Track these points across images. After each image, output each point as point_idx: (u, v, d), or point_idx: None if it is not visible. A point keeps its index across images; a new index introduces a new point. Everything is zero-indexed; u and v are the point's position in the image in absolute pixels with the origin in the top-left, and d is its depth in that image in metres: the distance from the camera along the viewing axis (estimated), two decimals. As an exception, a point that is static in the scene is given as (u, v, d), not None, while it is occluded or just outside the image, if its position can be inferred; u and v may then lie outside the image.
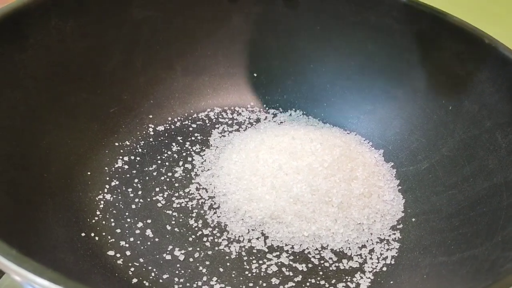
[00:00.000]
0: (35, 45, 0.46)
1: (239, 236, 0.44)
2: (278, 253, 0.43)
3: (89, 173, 0.48)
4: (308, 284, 0.41)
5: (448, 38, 0.51)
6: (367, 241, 0.44)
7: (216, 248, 0.43)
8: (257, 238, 0.44)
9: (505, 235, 0.37)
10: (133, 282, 0.39)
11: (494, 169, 0.43)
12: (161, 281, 0.40)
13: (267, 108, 0.61)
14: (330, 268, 0.42)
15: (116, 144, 0.52)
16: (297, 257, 0.43)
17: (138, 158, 0.51)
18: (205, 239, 0.44)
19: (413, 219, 0.46)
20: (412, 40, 0.54)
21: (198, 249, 0.43)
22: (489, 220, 0.40)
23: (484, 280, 0.33)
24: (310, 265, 0.42)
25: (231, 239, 0.44)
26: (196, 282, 0.40)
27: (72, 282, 0.23)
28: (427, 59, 0.53)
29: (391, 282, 0.40)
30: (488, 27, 0.50)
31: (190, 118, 0.58)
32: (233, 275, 0.41)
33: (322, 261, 0.42)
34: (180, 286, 0.40)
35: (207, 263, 0.42)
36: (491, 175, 0.43)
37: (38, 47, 0.46)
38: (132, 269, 0.40)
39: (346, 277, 0.41)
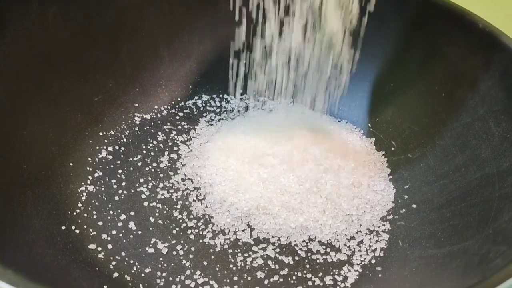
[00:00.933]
0: (15, 32, 0.44)
1: (225, 228, 0.43)
2: (264, 245, 0.42)
3: (71, 164, 0.46)
4: (294, 277, 0.40)
5: (441, 23, 0.49)
6: (356, 232, 0.43)
7: (201, 241, 0.42)
8: (243, 230, 0.43)
9: (496, 228, 0.36)
10: (114, 277, 0.38)
11: (487, 158, 0.42)
12: (143, 275, 0.39)
13: (256, 96, 0.59)
14: (317, 261, 0.41)
15: (100, 134, 0.50)
16: (284, 249, 0.42)
17: (122, 148, 0.50)
18: (189, 231, 0.43)
19: (403, 210, 0.45)
20: (404, 25, 0.52)
21: (182, 242, 0.42)
22: (480, 212, 0.38)
23: (474, 276, 0.32)
24: (296, 258, 0.41)
25: (216, 232, 0.43)
26: (179, 276, 0.39)
27: (32, 284, 0.22)
28: (419, 44, 0.52)
29: (380, 275, 0.39)
30: (484, 11, 0.48)
31: (177, 106, 0.56)
32: (217, 269, 0.40)
33: (309, 254, 0.41)
34: (163, 280, 0.39)
35: (191, 256, 0.40)
36: (484, 165, 0.42)
37: (18, 35, 0.45)
38: (114, 263, 0.39)
39: (334, 270, 0.40)
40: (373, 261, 0.41)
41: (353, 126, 0.55)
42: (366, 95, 0.56)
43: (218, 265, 0.40)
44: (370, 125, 0.54)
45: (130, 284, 0.38)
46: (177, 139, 0.52)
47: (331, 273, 0.40)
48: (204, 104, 0.57)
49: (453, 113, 0.47)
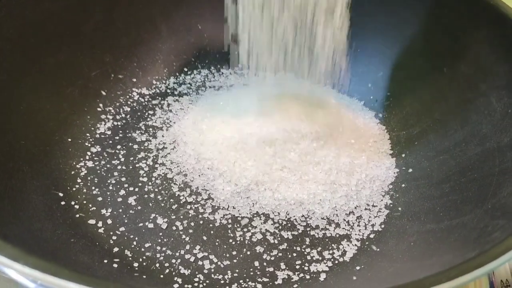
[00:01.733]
0: (8, 4, 0.43)
1: (224, 204, 0.43)
2: (263, 220, 0.42)
3: (69, 139, 0.46)
4: (293, 252, 0.40)
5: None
6: (355, 207, 0.43)
7: (200, 216, 0.42)
8: (242, 206, 0.43)
9: (495, 203, 0.35)
10: (114, 251, 0.38)
11: (488, 134, 0.42)
12: (143, 250, 0.39)
13: (255, 70, 0.58)
14: (316, 236, 0.41)
15: (98, 109, 0.50)
16: (283, 224, 0.42)
17: (121, 124, 0.50)
18: (188, 206, 0.43)
19: (403, 185, 0.45)
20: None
21: (181, 217, 0.42)
22: (479, 187, 0.38)
23: (472, 249, 0.32)
24: (295, 233, 0.41)
25: (215, 207, 0.43)
26: (179, 251, 0.39)
27: (31, 259, 0.22)
28: (423, 16, 0.51)
29: (378, 249, 0.40)
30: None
31: (175, 81, 0.56)
32: (216, 243, 0.40)
33: (308, 229, 0.41)
34: (163, 255, 0.39)
35: (190, 231, 0.41)
36: (484, 140, 0.42)
37: (12, 6, 0.44)
38: (114, 237, 0.40)
39: (332, 245, 0.40)
40: (371, 236, 0.41)
41: (353, 101, 0.54)
42: (367, 70, 0.55)
43: (217, 240, 0.40)
44: (371, 101, 0.53)
45: (130, 258, 0.38)
46: (176, 114, 0.51)
47: (330, 248, 0.40)
48: (203, 79, 0.56)
49: (455, 88, 0.47)
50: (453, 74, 0.48)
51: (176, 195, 0.43)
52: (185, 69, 0.57)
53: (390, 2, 0.52)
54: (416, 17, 0.51)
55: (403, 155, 0.48)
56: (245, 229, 0.41)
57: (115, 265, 0.37)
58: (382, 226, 0.42)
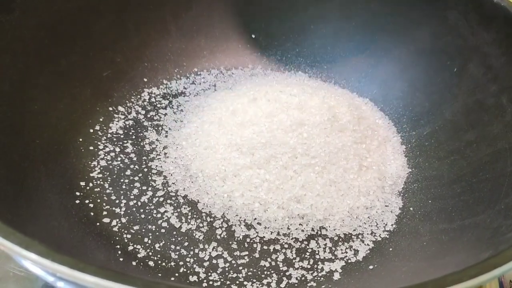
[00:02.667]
0: (22, 5, 0.44)
1: (237, 205, 0.43)
2: (277, 221, 0.42)
3: (81, 139, 0.46)
4: (306, 251, 0.40)
5: (455, -4, 0.48)
6: (367, 207, 0.44)
7: (212, 216, 0.42)
8: (257, 206, 0.43)
9: (508, 203, 0.36)
10: (128, 249, 0.39)
11: (499, 134, 0.42)
12: (157, 248, 0.39)
13: (266, 70, 0.59)
14: (329, 236, 0.41)
15: (110, 108, 0.50)
16: (296, 224, 0.42)
17: (132, 123, 0.50)
18: (201, 207, 0.43)
19: (415, 185, 0.45)
20: (417, -1, 0.52)
21: (195, 216, 0.42)
22: (491, 187, 0.39)
23: (485, 249, 0.32)
24: (308, 232, 0.41)
25: (228, 208, 0.43)
26: (193, 250, 0.39)
27: (59, 255, 0.22)
28: (432, 18, 0.51)
29: (390, 249, 0.40)
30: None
31: (185, 81, 0.56)
32: (230, 242, 0.40)
33: (320, 229, 0.42)
34: (177, 253, 0.39)
35: (204, 230, 0.41)
36: (495, 141, 0.42)
37: (26, 8, 0.44)
38: (128, 236, 0.40)
39: (345, 244, 0.41)
40: (384, 235, 0.42)
41: (364, 100, 0.54)
42: (377, 69, 0.55)
43: (230, 239, 0.40)
44: (381, 101, 0.54)
45: (145, 256, 0.38)
46: (187, 114, 0.52)
47: (343, 247, 0.40)
48: (214, 79, 0.57)
49: (465, 89, 0.47)
50: (463, 75, 0.48)
51: (188, 194, 0.43)
52: (195, 69, 0.57)
53: (400, 3, 0.53)
54: (425, 17, 0.51)
55: (414, 155, 0.48)
56: (258, 230, 0.41)
57: (133, 263, 0.37)
58: (394, 226, 0.42)
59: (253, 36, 0.59)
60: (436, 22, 0.50)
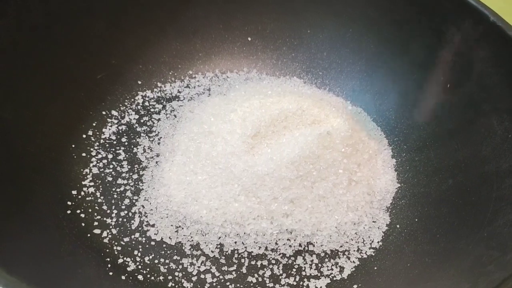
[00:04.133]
0: (16, 8, 0.43)
1: (226, 217, 0.43)
2: (264, 237, 0.43)
3: (73, 145, 0.47)
4: (293, 267, 0.41)
5: (452, 12, 0.48)
6: (354, 223, 0.44)
7: (201, 230, 0.43)
8: (246, 224, 0.43)
9: (491, 231, 0.36)
10: (118, 262, 0.40)
11: (487, 156, 0.42)
12: (147, 261, 0.40)
13: (261, 75, 0.59)
14: (315, 252, 0.42)
15: (104, 113, 0.50)
16: (283, 240, 0.43)
17: (126, 128, 0.50)
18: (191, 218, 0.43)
19: (403, 201, 0.46)
20: (415, 10, 0.51)
21: (184, 229, 0.42)
22: (476, 212, 0.39)
23: (465, 279, 0.33)
24: (295, 249, 0.42)
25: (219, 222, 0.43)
26: (181, 264, 0.40)
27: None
28: (429, 31, 0.51)
29: (375, 268, 0.41)
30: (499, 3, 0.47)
31: (180, 84, 0.56)
32: (217, 257, 0.41)
33: (307, 245, 0.43)
34: (166, 267, 0.40)
35: (194, 244, 0.42)
36: (483, 163, 0.42)
37: (19, 10, 0.44)
38: (118, 248, 0.41)
39: (331, 261, 0.42)
40: (369, 253, 0.42)
41: (356, 110, 0.54)
42: (371, 80, 0.55)
43: (218, 254, 0.41)
44: (374, 111, 0.54)
45: (134, 270, 0.39)
46: (181, 119, 0.52)
47: (328, 264, 0.41)
48: (208, 82, 0.57)
49: (458, 106, 0.47)
50: (456, 91, 0.48)
51: (178, 206, 0.44)
52: (190, 72, 0.57)
53: (397, 15, 0.52)
54: (422, 30, 0.51)
55: (404, 170, 0.49)
56: (246, 246, 0.42)
57: (122, 277, 0.38)
58: (380, 243, 0.43)
59: (249, 39, 0.59)
60: (432, 36, 0.50)
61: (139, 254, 0.40)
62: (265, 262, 0.41)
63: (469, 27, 0.47)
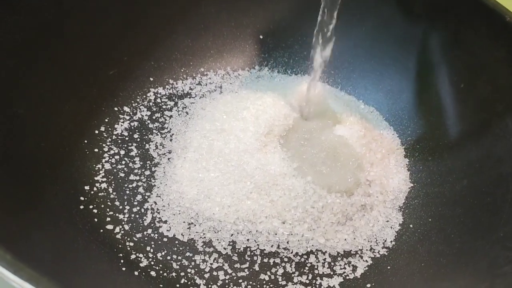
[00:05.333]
0: (28, 5, 0.43)
1: (238, 213, 0.43)
2: (276, 234, 0.43)
3: (86, 141, 0.47)
4: (305, 266, 0.41)
5: (467, 11, 0.48)
6: (367, 222, 0.44)
7: (214, 227, 0.43)
8: (257, 220, 0.43)
9: (507, 232, 0.36)
10: (131, 258, 0.39)
11: (502, 157, 0.42)
12: (159, 257, 0.40)
13: (272, 73, 0.59)
14: (328, 251, 0.42)
15: (116, 109, 0.50)
16: (296, 239, 0.42)
17: (138, 124, 0.50)
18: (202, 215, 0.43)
19: (416, 201, 0.46)
20: (429, 9, 0.51)
21: (197, 225, 0.42)
22: (492, 213, 0.39)
23: (482, 280, 0.33)
24: (307, 248, 0.42)
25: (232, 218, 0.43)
26: (194, 260, 0.40)
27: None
28: (443, 30, 0.50)
29: (388, 267, 0.41)
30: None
31: (192, 81, 0.56)
32: (230, 254, 0.41)
33: (320, 243, 0.42)
34: (179, 264, 0.40)
35: (206, 241, 0.41)
36: (498, 164, 0.42)
37: (31, 8, 0.43)
38: (131, 244, 0.40)
39: (344, 260, 0.41)
40: (382, 252, 0.42)
41: (369, 109, 0.54)
42: (383, 79, 0.55)
43: (232, 252, 0.41)
44: (386, 110, 0.54)
45: (147, 265, 0.39)
46: (193, 116, 0.52)
47: (341, 263, 0.41)
48: (220, 79, 0.56)
49: (471, 106, 0.47)
50: (470, 91, 0.48)
51: (191, 203, 0.44)
52: (202, 69, 0.57)
53: (411, 12, 0.52)
54: (436, 29, 0.51)
55: (417, 170, 0.49)
56: (259, 244, 0.42)
57: (135, 272, 0.38)
58: (394, 242, 0.43)
59: (261, 37, 0.59)
60: (446, 35, 0.50)
61: (152, 250, 0.40)
62: (277, 260, 0.41)
63: (483, 27, 0.47)
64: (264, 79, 0.57)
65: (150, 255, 0.40)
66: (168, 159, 0.47)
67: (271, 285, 0.39)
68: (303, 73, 0.59)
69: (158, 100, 0.53)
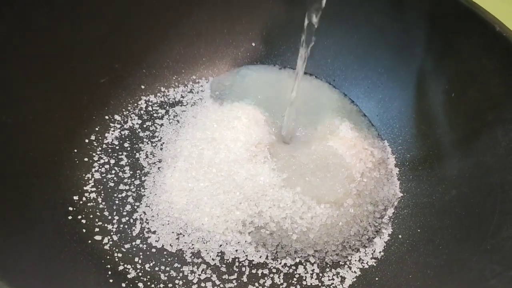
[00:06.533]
0: (20, 12, 0.43)
1: (226, 224, 0.43)
2: (264, 247, 0.43)
3: (76, 150, 0.46)
4: (294, 277, 0.41)
5: (458, 20, 0.47)
6: (356, 232, 0.44)
7: (202, 238, 0.42)
8: (248, 233, 0.43)
9: (494, 244, 0.36)
10: (119, 269, 0.39)
11: (492, 168, 0.42)
12: (147, 269, 0.40)
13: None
14: (317, 261, 0.42)
15: (106, 117, 0.50)
16: (283, 251, 0.42)
17: (128, 133, 0.50)
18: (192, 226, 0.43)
19: (405, 211, 0.46)
20: (421, 17, 0.51)
21: (185, 237, 0.42)
22: (480, 224, 0.39)
23: (468, 294, 0.33)
24: (297, 260, 0.42)
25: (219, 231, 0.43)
26: (182, 272, 0.40)
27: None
28: (435, 38, 0.50)
29: (376, 278, 0.41)
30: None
31: (183, 89, 0.56)
32: (218, 265, 0.41)
33: (308, 254, 0.42)
34: (166, 275, 0.40)
35: (195, 252, 0.41)
36: (488, 174, 0.42)
37: (23, 14, 0.43)
38: (119, 255, 0.40)
39: (333, 270, 0.41)
40: (371, 263, 0.42)
41: (360, 118, 0.54)
42: (375, 86, 0.55)
43: (220, 263, 0.41)
44: (377, 119, 0.54)
45: (134, 277, 0.39)
46: (184, 124, 0.52)
47: (330, 274, 0.41)
48: (210, 88, 0.56)
49: (462, 115, 0.47)
50: (461, 100, 0.48)
51: (180, 213, 0.44)
52: (194, 77, 0.57)
53: (403, 20, 0.52)
54: (428, 37, 0.50)
55: (407, 179, 0.48)
56: (247, 255, 0.42)
57: (123, 284, 0.38)
58: (382, 253, 0.43)
59: (253, 44, 0.59)
60: (438, 44, 0.50)
61: (140, 261, 0.40)
62: (266, 271, 0.41)
63: (475, 36, 0.47)
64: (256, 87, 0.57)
65: (138, 266, 0.40)
66: (158, 168, 0.47)
67: (259, 297, 0.39)
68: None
69: (149, 108, 0.53)
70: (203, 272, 0.40)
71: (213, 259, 0.41)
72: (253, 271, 0.41)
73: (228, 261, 0.41)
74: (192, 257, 0.41)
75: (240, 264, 0.41)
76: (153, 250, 0.41)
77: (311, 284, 0.40)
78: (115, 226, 0.42)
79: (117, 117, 0.51)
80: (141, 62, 0.55)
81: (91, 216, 0.43)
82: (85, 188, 0.44)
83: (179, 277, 0.40)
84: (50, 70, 0.46)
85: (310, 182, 0.45)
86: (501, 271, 0.33)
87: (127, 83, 0.53)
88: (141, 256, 0.41)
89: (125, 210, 0.44)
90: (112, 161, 0.47)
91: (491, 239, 0.37)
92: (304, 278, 0.41)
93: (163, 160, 0.48)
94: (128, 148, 0.48)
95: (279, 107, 0.52)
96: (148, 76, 0.55)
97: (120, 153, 0.48)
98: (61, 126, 0.46)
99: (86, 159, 0.46)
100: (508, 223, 0.37)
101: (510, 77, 0.44)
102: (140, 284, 0.39)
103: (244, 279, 0.40)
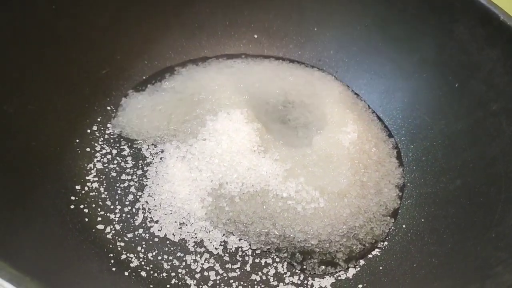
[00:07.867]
0: (20, 3, 0.43)
1: (234, 218, 0.43)
2: (268, 236, 0.42)
3: (78, 140, 0.46)
4: (297, 266, 0.40)
5: (461, 10, 0.47)
6: (360, 222, 0.44)
7: (205, 227, 0.42)
8: (250, 224, 0.43)
9: (499, 232, 0.36)
10: (121, 258, 0.39)
11: (496, 157, 0.42)
12: (150, 258, 0.40)
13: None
14: (320, 251, 0.42)
15: (108, 108, 0.50)
16: (287, 240, 0.42)
17: (130, 124, 0.50)
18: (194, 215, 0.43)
19: (409, 201, 0.46)
20: (424, 8, 0.51)
21: (188, 226, 0.42)
22: (484, 213, 0.39)
23: (473, 280, 0.33)
24: (299, 248, 0.42)
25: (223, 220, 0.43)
26: (185, 260, 0.40)
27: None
28: (438, 29, 0.50)
29: (380, 267, 0.40)
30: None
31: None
32: (221, 254, 0.41)
33: (312, 244, 0.42)
34: (169, 264, 0.39)
35: (197, 241, 0.41)
36: (492, 163, 0.42)
37: (25, 5, 0.43)
38: (122, 244, 0.40)
39: (337, 259, 0.41)
40: (375, 253, 0.42)
41: (363, 109, 0.54)
42: (379, 77, 0.55)
43: (223, 253, 0.41)
44: (381, 110, 0.53)
45: (137, 266, 0.39)
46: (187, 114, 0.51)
47: (334, 264, 0.41)
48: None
49: (465, 105, 0.47)
50: (465, 91, 0.47)
51: (183, 203, 0.44)
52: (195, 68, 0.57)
53: (406, 11, 0.52)
54: (431, 28, 0.50)
55: (411, 170, 0.48)
56: (250, 245, 0.42)
57: (125, 273, 0.38)
58: (386, 243, 0.43)
59: (256, 36, 0.58)
60: (441, 34, 0.49)
61: (143, 250, 0.40)
62: (269, 260, 0.41)
63: (478, 26, 0.47)
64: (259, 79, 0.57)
65: (141, 255, 0.40)
66: (161, 158, 0.47)
67: (263, 286, 0.39)
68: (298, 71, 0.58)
69: (152, 100, 0.52)
70: (206, 261, 0.40)
71: (216, 248, 0.41)
72: (256, 260, 0.41)
73: (231, 251, 0.41)
74: (195, 246, 0.41)
75: (243, 254, 0.41)
76: (156, 239, 0.41)
77: (315, 273, 0.40)
78: (118, 215, 0.42)
79: (119, 108, 0.50)
80: (143, 53, 0.54)
81: (93, 205, 0.42)
82: (87, 177, 0.44)
83: (182, 266, 0.39)
84: (52, 61, 0.46)
85: (313, 172, 0.45)
86: (506, 258, 0.33)
87: (128, 74, 0.53)
88: (143, 245, 0.40)
89: (127, 200, 0.43)
90: (114, 151, 0.47)
91: (496, 227, 0.37)
92: (308, 268, 0.40)
93: (165, 150, 0.48)
94: (130, 139, 0.48)
95: (281, 98, 0.52)
96: (149, 68, 0.55)
97: (122, 143, 0.48)
98: (63, 117, 0.46)
99: (88, 149, 0.46)
100: (513, 211, 0.37)
101: (514, 66, 0.44)
102: (143, 273, 0.38)
103: (247, 268, 0.40)
